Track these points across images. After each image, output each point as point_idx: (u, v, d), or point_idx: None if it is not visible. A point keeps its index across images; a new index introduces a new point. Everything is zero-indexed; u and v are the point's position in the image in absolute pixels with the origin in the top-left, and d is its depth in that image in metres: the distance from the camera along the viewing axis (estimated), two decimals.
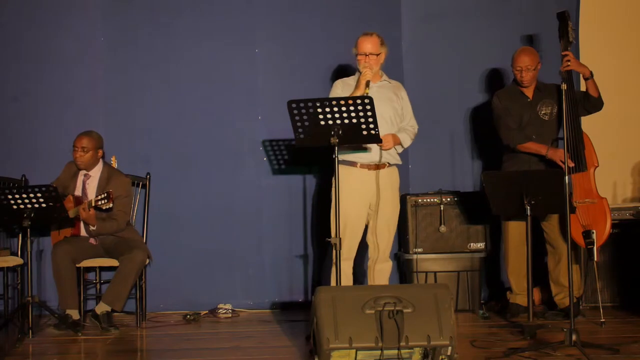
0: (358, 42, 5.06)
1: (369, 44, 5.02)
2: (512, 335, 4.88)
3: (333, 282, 4.99)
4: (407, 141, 5.14)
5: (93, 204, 5.25)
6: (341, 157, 4.99)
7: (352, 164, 5.01)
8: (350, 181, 4.95)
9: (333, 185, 4.99)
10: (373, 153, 5.00)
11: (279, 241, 6.11)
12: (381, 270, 5.11)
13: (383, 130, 4.85)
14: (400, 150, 5.16)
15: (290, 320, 5.61)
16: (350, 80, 5.12)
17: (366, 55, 5.00)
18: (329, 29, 6.10)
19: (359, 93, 4.83)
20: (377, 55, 5.03)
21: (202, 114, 6.12)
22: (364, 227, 5.08)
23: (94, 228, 5.39)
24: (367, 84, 4.84)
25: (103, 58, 6.11)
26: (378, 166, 5.03)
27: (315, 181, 6.11)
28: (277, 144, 6.11)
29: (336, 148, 4.57)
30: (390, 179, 5.09)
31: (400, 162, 5.18)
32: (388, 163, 5.07)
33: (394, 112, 5.09)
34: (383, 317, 3.90)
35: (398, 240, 5.99)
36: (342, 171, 5.00)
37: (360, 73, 4.97)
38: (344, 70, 5.92)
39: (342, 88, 5.08)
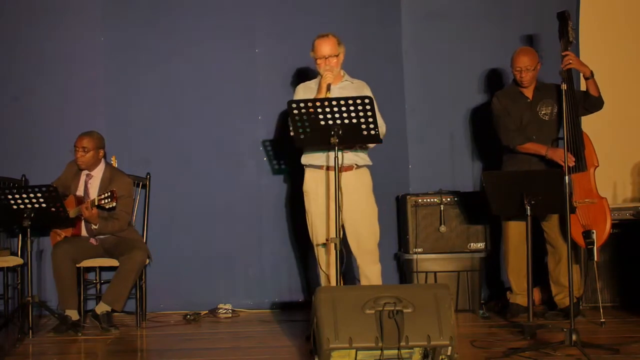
0: (315, 45, 4.99)
1: (326, 46, 4.95)
2: (512, 335, 4.88)
3: (322, 283, 5.02)
4: None
5: (96, 203, 5.25)
6: (309, 161, 4.99)
7: (319, 167, 4.96)
8: (319, 185, 4.93)
9: (305, 191, 5.02)
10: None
11: (279, 241, 6.11)
12: (369, 274, 5.05)
13: None
14: (366, 150, 5.04)
15: (290, 320, 5.61)
16: (312, 84, 5.05)
17: (325, 58, 4.94)
18: (328, 29, 6.07)
19: (321, 97, 4.75)
20: (336, 56, 4.96)
21: (202, 114, 6.12)
22: (340, 229, 4.94)
23: (96, 227, 5.39)
24: (329, 88, 4.77)
25: (103, 58, 6.11)
26: (345, 169, 4.91)
27: None
28: (277, 144, 6.11)
29: (336, 148, 4.56)
30: (360, 181, 5.01)
31: (370, 163, 5.08)
32: (356, 165, 4.99)
33: None
34: (383, 317, 3.90)
35: (398, 240, 6.01)
36: (311, 175, 5.00)
37: (321, 76, 4.91)
38: (345, 71, 5.93)
39: (304, 92, 4.99)
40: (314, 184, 5.01)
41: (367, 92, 5.02)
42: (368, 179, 5.07)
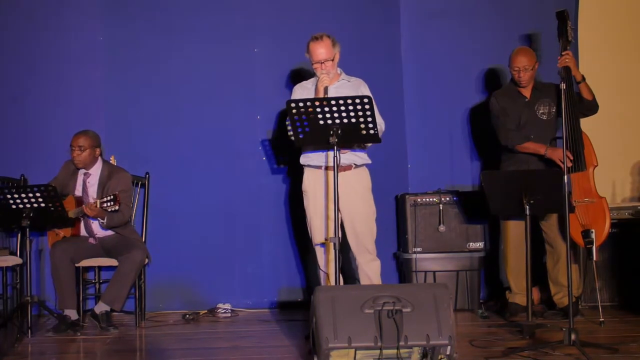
0: (310, 48, 4.94)
1: (322, 50, 4.90)
2: (511, 335, 4.88)
3: (322, 283, 5.02)
4: None
5: (98, 206, 5.23)
6: (307, 161, 4.99)
7: (318, 167, 4.97)
8: (317, 185, 4.95)
9: (304, 190, 5.04)
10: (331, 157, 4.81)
11: (278, 241, 6.11)
12: (369, 271, 5.05)
13: None
14: (365, 149, 5.03)
15: (289, 319, 5.61)
16: (309, 84, 5.07)
17: (321, 63, 4.90)
18: (328, 29, 6.08)
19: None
20: (332, 60, 4.93)
21: (201, 114, 6.13)
22: (339, 229, 4.88)
23: (104, 221, 5.38)
24: (326, 90, 4.77)
25: (103, 58, 6.11)
26: (344, 168, 4.88)
27: None
28: (276, 143, 6.11)
29: (335, 148, 4.55)
30: (358, 180, 5.01)
31: (369, 162, 5.06)
32: (354, 164, 4.99)
33: None
34: (382, 317, 3.90)
35: (397, 239, 6.01)
36: (310, 174, 5.01)
37: (318, 78, 4.90)
38: (344, 70, 5.93)
39: (301, 93, 5.01)
40: (312, 184, 5.02)
41: (365, 89, 5.02)
42: (367, 179, 5.06)
